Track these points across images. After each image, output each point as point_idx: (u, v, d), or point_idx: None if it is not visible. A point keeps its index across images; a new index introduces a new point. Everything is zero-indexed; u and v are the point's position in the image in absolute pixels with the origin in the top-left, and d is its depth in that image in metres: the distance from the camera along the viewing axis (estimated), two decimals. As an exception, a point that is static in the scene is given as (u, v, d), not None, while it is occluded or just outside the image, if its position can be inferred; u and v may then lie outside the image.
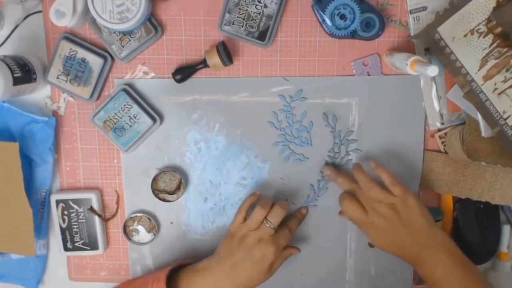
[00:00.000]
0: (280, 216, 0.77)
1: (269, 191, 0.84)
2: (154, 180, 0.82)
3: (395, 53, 0.76)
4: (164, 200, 0.83)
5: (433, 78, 0.79)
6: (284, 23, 0.79)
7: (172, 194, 0.83)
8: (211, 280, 0.76)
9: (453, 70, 0.73)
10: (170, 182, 0.83)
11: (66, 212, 0.83)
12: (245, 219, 0.79)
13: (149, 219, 0.84)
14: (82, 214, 0.83)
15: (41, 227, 0.84)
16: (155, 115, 0.80)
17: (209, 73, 0.81)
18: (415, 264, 0.73)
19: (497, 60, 0.71)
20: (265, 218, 0.77)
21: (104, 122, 0.80)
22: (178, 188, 0.83)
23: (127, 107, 0.79)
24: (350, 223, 0.84)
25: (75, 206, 0.83)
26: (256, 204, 0.79)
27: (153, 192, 0.82)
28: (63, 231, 0.84)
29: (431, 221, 0.73)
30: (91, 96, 0.79)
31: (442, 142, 0.82)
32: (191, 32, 0.80)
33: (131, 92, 0.79)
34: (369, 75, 0.81)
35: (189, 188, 0.84)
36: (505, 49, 0.71)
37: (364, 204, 0.76)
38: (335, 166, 0.83)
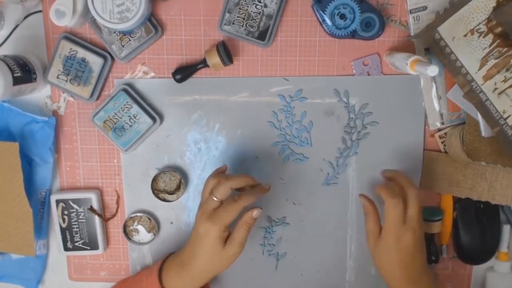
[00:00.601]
0: (224, 187, 0.70)
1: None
2: (154, 180, 0.82)
3: (395, 53, 0.76)
4: (164, 200, 0.83)
5: (433, 78, 0.79)
6: (284, 23, 0.79)
7: (172, 194, 0.83)
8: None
9: (453, 70, 0.73)
10: (170, 182, 0.83)
11: (66, 212, 0.83)
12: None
13: (149, 219, 0.84)
14: (82, 214, 0.83)
15: (41, 227, 0.84)
16: (155, 115, 0.80)
17: (209, 73, 0.81)
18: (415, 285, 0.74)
19: (497, 60, 0.71)
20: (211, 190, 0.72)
21: (104, 122, 0.80)
22: (178, 188, 0.83)
23: (127, 107, 0.79)
24: (350, 222, 0.84)
25: (75, 206, 0.83)
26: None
27: (153, 192, 0.82)
28: (63, 231, 0.84)
29: (425, 259, 0.75)
30: (91, 96, 0.79)
31: (442, 142, 0.82)
32: (191, 32, 0.80)
33: (131, 92, 0.79)
34: (369, 75, 0.81)
35: (189, 188, 0.84)
36: (505, 49, 0.71)
37: (405, 215, 0.74)
38: (370, 200, 0.80)
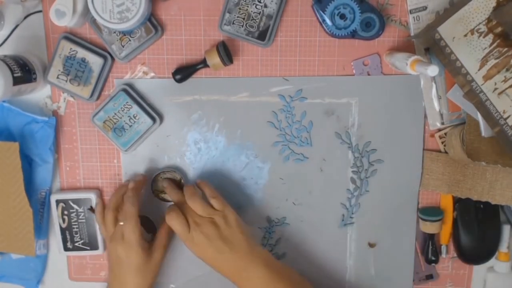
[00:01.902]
0: (128, 214, 0.76)
1: (269, 191, 0.84)
2: (154, 180, 0.82)
3: (395, 53, 0.76)
4: (164, 200, 0.83)
5: (433, 78, 0.79)
6: (284, 23, 0.79)
7: (172, 194, 0.83)
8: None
9: (453, 70, 0.73)
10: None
11: (66, 212, 0.83)
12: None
13: (149, 219, 0.84)
14: (82, 214, 0.83)
15: (41, 227, 0.84)
16: (155, 115, 0.80)
17: (209, 73, 0.81)
18: (234, 280, 0.74)
19: (497, 60, 0.71)
20: (116, 219, 0.77)
21: (104, 122, 0.80)
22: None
23: (127, 107, 0.79)
24: (350, 222, 0.85)
25: (75, 206, 0.83)
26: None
27: (153, 192, 0.82)
28: (63, 231, 0.84)
29: (250, 238, 0.75)
30: (91, 96, 0.79)
31: (442, 142, 0.82)
32: (191, 32, 0.80)
33: (131, 92, 0.79)
34: (369, 75, 0.81)
35: (189, 188, 0.84)
36: (505, 49, 0.71)
37: (187, 217, 0.75)
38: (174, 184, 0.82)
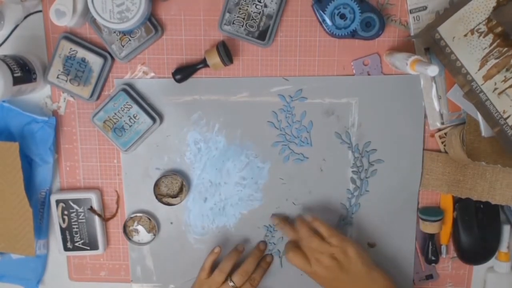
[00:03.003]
0: (244, 277, 0.80)
1: (269, 191, 0.84)
2: (156, 185, 0.82)
3: (395, 53, 0.76)
4: (168, 204, 0.82)
5: (433, 78, 0.79)
6: (284, 22, 0.79)
7: (175, 197, 0.83)
8: None
9: (453, 70, 0.73)
10: (172, 186, 0.83)
11: (66, 212, 0.83)
12: (209, 275, 0.81)
13: (149, 219, 0.84)
14: (82, 214, 0.83)
15: (41, 227, 0.84)
16: (155, 115, 0.80)
17: (209, 73, 0.81)
18: None
19: (497, 60, 0.71)
20: (229, 277, 0.80)
21: (104, 122, 0.80)
22: (180, 190, 0.83)
23: (127, 107, 0.79)
24: (350, 222, 0.85)
25: (75, 206, 0.83)
26: (221, 257, 0.83)
27: (156, 197, 0.82)
28: (63, 231, 0.84)
29: (370, 266, 0.77)
30: (91, 96, 0.79)
31: (442, 142, 0.82)
32: (191, 32, 0.80)
33: (131, 92, 0.79)
34: (369, 75, 0.81)
35: (189, 188, 0.84)
36: (505, 49, 0.71)
37: (307, 254, 0.78)
38: (282, 216, 0.84)
